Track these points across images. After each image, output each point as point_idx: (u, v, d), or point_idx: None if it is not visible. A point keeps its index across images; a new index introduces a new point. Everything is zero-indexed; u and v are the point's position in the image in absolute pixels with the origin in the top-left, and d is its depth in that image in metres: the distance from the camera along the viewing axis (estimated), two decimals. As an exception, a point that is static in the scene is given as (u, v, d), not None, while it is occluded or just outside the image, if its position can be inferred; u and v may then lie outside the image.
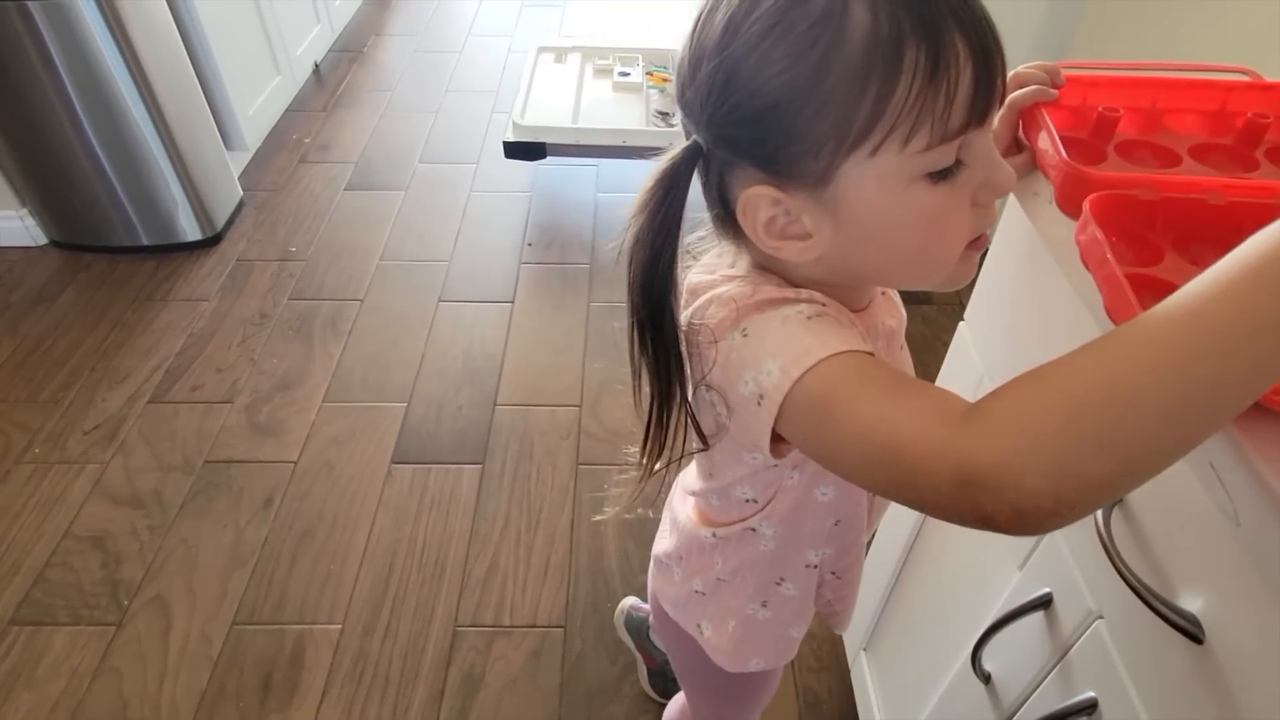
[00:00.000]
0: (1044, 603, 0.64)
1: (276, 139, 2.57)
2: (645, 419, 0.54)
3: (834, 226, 0.45)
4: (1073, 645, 0.60)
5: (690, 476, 0.70)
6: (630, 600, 1.30)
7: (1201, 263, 0.49)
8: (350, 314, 1.94)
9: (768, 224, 0.46)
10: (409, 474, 1.59)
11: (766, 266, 0.51)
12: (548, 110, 2.22)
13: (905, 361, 0.62)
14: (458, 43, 3.17)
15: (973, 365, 0.79)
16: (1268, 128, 0.57)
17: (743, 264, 0.53)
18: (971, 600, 0.77)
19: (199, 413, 1.70)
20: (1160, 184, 0.51)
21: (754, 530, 0.63)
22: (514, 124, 2.15)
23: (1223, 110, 0.60)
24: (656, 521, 0.79)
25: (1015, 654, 0.69)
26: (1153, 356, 0.31)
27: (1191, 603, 0.48)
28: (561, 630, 1.35)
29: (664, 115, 2.23)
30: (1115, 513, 0.55)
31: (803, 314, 0.45)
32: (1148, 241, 0.50)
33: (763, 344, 0.45)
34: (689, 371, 0.52)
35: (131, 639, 1.32)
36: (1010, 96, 0.58)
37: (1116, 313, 0.44)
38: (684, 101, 0.46)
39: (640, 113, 2.25)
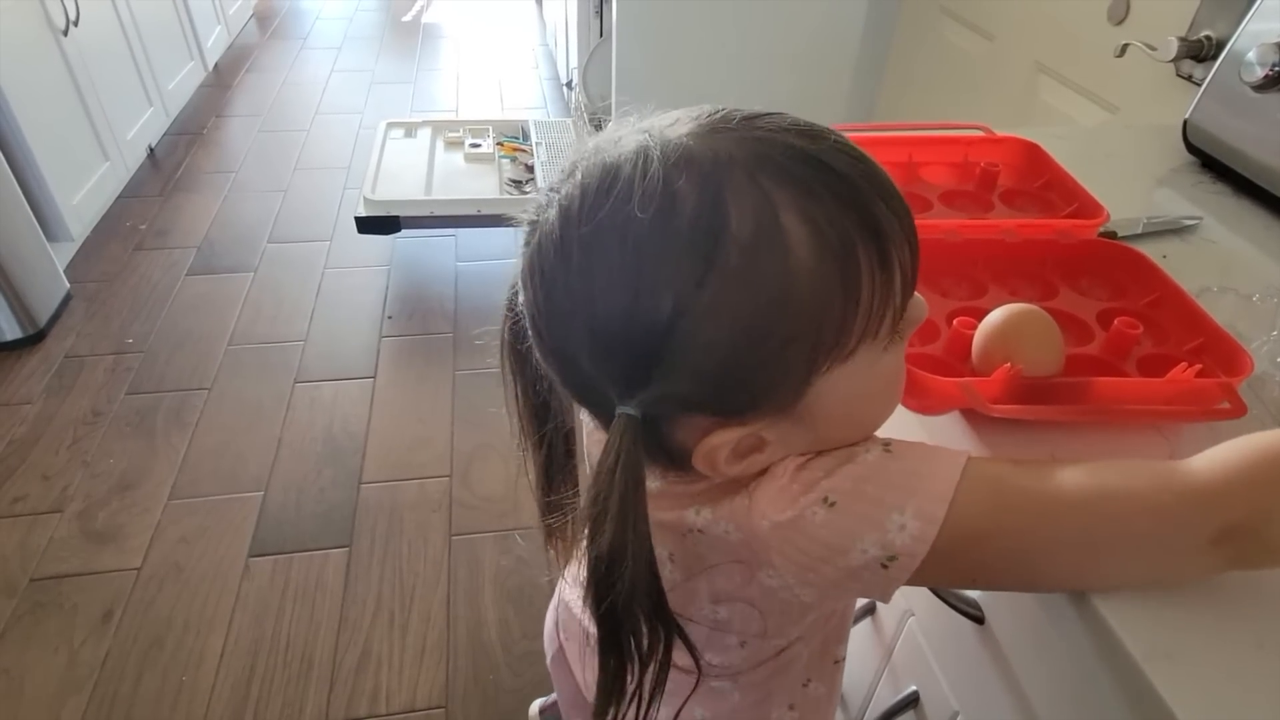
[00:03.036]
0: (870, 610, 0.69)
1: (108, 227, 2.43)
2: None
3: (805, 431, 0.39)
4: (895, 645, 0.65)
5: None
6: (535, 706, 1.19)
7: (950, 293, 0.58)
8: (196, 404, 1.84)
9: (728, 458, 0.38)
10: (269, 566, 1.51)
11: None
12: (399, 183, 2.23)
13: None
14: (305, 121, 3.13)
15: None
16: (998, 174, 0.67)
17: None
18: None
19: (22, 527, 1.54)
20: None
21: (786, 652, 0.54)
22: (365, 199, 2.14)
23: (965, 161, 0.70)
24: (537, 585, 0.72)
25: (855, 662, 0.73)
26: None
27: (973, 590, 0.54)
28: (442, 710, 1.30)
29: (517, 184, 2.29)
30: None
31: (870, 452, 0.39)
32: (901, 276, 0.57)
33: (869, 500, 0.37)
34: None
35: (-58, 793, 1.16)
36: None
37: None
38: (584, 375, 0.37)
39: (494, 182, 2.29)
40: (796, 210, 0.33)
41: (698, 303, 0.33)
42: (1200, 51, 1.05)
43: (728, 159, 0.33)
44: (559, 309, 0.36)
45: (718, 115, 0.36)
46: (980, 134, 0.72)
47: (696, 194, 0.32)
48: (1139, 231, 0.67)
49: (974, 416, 0.47)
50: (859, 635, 0.70)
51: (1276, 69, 0.68)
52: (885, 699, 0.67)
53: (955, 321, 0.50)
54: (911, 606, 0.62)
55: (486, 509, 1.62)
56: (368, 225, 2.14)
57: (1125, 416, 0.46)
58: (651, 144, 0.34)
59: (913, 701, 0.62)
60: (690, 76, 1.90)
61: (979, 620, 0.52)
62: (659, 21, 1.83)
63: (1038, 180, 0.68)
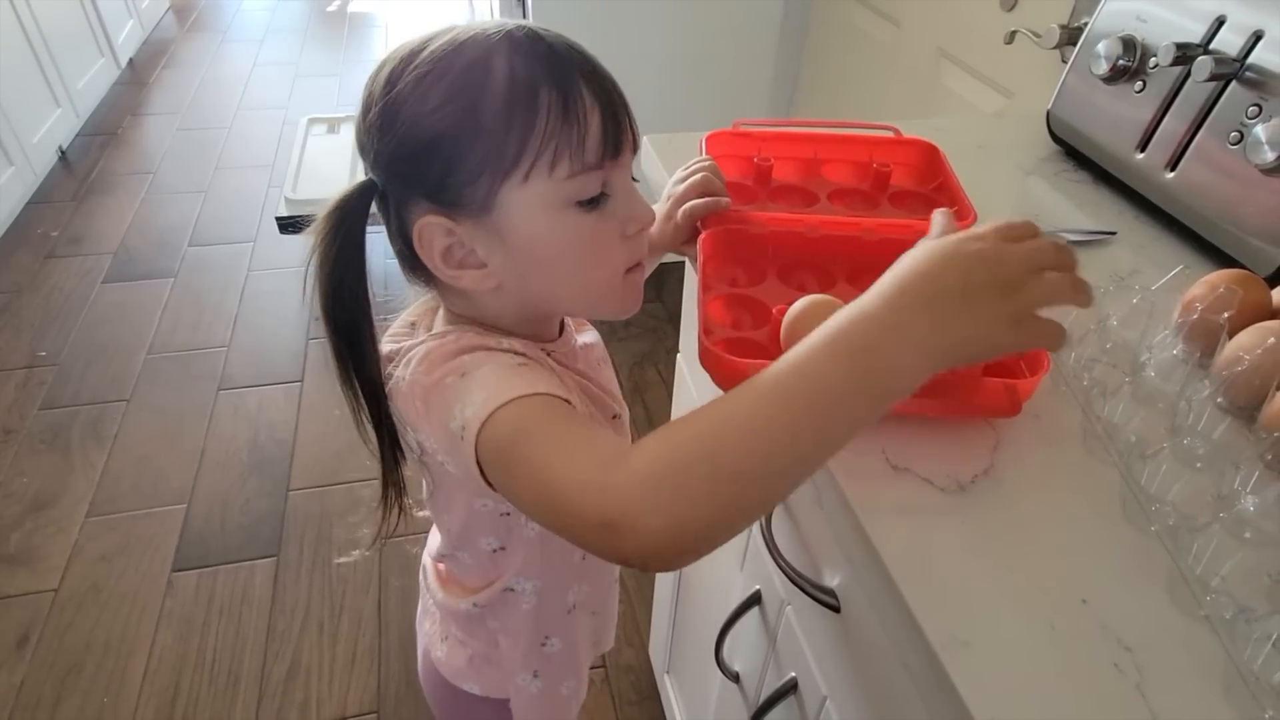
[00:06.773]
0: (756, 599, 0.71)
1: (16, 235, 2.34)
2: (379, 454, 0.57)
3: (504, 253, 0.49)
4: (778, 633, 0.67)
5: (433, 542, 0.70)
6: None
7: (801, 287, 0.59)
8: (115, 416, 1.79)
9: (444, 254, 0.49)
10: (193, 580, 1.48)
11: (462, 315, 0.55)
12: (321, 182, 2.18)
13: (610, 377, 0.66)
14: (226, 118, 3.04)
15: (690, 395, 0.86)
16: (890, 175, 0.68)
17: (439, 320, 0.56)
18: (717, 606, 0.83)
19: (-71, 554, 1.49)
20: (772, 220, 0.60)
21: (513, 590, 0.64)
22: (285, 198, 2.09)
23: (869, 160, 0.70)
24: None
25: (748, 650, 0.75)
26: (747, 412, 0.37)
27: (832, 579, 0.56)
28: (374, 715, 1.30)
29: (443, 178, 2.26)
30: (778, 510, 0.63)
31: (513, 361, 0.49)
32: (758, 267, 0.59)
33: (474, 381, 0.47)
34: (400, 418, 0.54)
35: None
36: (688, 206, 0.63)
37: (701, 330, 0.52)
38: (360, 145, 0.51)
39: (419, 177, 2.25)
40: (505, 58, 0.46)
41: (417, 92, 0.46)
42: (1079, 39, 1.08)
43: (480, 28, 0.47)
44: (360, 109, 0.49)
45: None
46: (889, 134, 0.72)
47: (448, 39, 0.47)
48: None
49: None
50: (751, 623, 0.72)
51: (1121, 62, 0.71)
52: (772, 684, 0.69)
53: (775, 310, 0.52)
54: (790, 597, 0.64)
55: (416, 510, 1.61)
56: (289, 226, 2.09)
57: (909, 409, 0.48)
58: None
59: (792, 688, 0.64)
60: (610, 67, 1.89)
61: (835, 609, 0.54)
62: (577, 13, 1.82)
63: (932, 183, 0.69)
